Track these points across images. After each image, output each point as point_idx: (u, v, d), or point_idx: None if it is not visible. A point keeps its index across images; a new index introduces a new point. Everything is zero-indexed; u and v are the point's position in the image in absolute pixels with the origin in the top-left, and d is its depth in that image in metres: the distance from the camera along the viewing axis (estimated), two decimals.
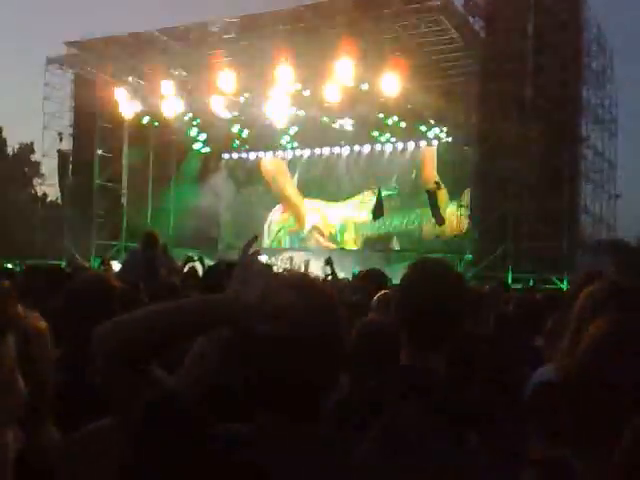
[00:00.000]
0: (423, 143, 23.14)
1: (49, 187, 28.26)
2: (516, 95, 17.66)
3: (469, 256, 18.97)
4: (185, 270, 7.39)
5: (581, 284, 3.22)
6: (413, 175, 23.33)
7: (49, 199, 30.70)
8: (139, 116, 22.56)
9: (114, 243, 24.93)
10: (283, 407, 1.28)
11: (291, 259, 23.33)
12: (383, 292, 3.55)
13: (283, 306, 1.28)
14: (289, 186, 26.25)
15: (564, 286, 15.75)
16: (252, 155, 27.04)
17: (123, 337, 1.31)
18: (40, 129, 24.88)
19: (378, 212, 20.30)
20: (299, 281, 1.39)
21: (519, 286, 14.39)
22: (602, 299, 2.15)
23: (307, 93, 20.18)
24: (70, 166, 25.02)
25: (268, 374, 1.27)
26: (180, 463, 1.20)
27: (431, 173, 22.42)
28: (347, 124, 22.80)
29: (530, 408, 2.19)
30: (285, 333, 1.26)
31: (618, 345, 1.50)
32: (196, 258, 7.93)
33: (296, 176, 26.18)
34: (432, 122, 21.37)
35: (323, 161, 25.61)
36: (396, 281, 2.37)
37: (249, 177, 27.01)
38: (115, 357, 1.31)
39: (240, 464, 1.21)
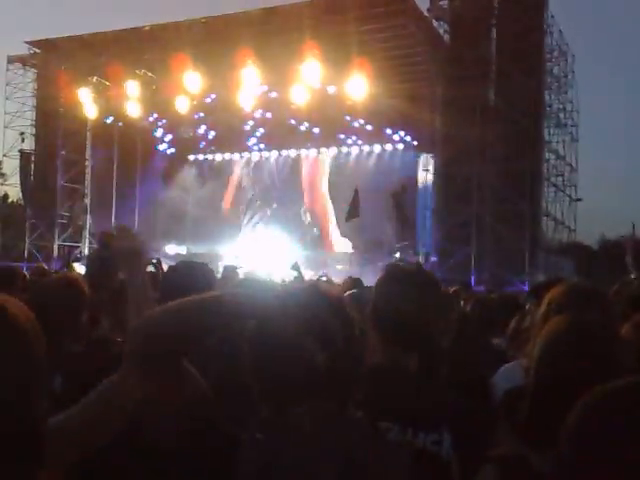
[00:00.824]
0: (389, 146, 23.32)
1: (10, 187, 27.78)
2: (479, 99, 17.91)
3: (434, 258, 19.17)
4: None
5: (542, 287, 3.32)
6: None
7: (10, 199, 30.14)
8: (103, 116, 22.30)
9: (77, 244, 24.60)
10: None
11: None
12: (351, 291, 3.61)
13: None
14: None
15: (525, 288, 16.01)
16: (218, 156, 26.93)
17: (162, 331, 1.31)
18: (0, 128, 24.47)
19: (354, 213, 20.17)
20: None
21: (481, 288, 14.61)
22: (565, 302, 2.22)
23: (274, 95, 20.19)
24: (32, 166, 24.62)
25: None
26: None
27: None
28: (313, 126, 22.87)
29: (502, 413, 2.23)
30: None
31: (570, 343, 1.57)
32: (154, 261, 7.86)
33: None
34: (397, 126, 21.54)
35: (289, 163, 25.65)
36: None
37: (216, 176, 26.87)
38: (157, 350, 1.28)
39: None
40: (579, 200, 22.13)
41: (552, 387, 1.53)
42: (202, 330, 1.34)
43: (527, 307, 3.70)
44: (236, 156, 26.68)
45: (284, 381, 1.35)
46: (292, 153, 25.50)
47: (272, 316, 1.34)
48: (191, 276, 2.86)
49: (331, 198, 24.59)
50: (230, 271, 7.33)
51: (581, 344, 1.57)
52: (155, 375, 1.22)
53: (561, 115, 20.92)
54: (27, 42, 22.99)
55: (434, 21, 19.11)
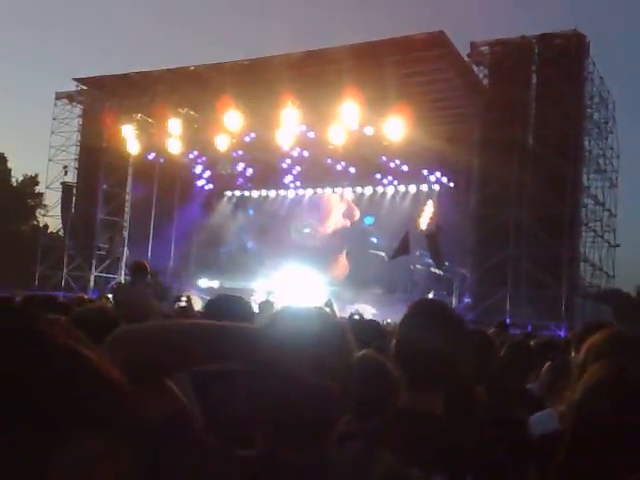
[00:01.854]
0: (424, 186, 23.37)
1: (52, 218, 28.46)
2: (517, 142, 17.92)
3: (467, 300, 19.00)
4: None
5: (581, 332, 3.28)
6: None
7: (50, 230, 30.82)
8: (145, 152, 22.82)
9: (113, 276, 24.97)
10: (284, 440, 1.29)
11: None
12: None
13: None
14: None
15: (562, 333, 15.74)
16: (255, 193, 27.27)
17: (141, 348, 1.23)
18: (45, 161, 25.18)
19: (402, 250, 19.57)
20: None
21: (517, 332, 14.39)
22: (605, 348, 2.19)
23: (312, 135, 20.47)
24: (74, 199, 25.22)
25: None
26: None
27: (432, 217, 22.57)
28: (350, 166, 23.08)
29: (534, 458, 2.19)
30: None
31: (611, 389, 1.57)
32: (184, 298, 8.02)
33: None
34: (434, 166, 21.62)
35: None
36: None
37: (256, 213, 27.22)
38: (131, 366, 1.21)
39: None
40: (617, 246, 21.80)
41: (590, 434, 1.53)
42: (188, 356, 1.26)
43: (572, 354, 3.65)
44: (272, 193, 26.99)
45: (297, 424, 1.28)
46: (327, 191, 25.73)
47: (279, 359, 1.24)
48: (229, 308, 2.89)
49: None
50: (267, 305, 7.41)
51: (623, 391, 1.56)
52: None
53: (601, 161, 20.76)
54: (75, 79, 23.76)
55: (474, 66, 19.25)
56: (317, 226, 25.99)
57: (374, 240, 24.49)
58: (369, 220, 25.10)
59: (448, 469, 1.79)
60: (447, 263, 19.98)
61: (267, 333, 1.27)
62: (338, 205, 25.96)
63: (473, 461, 1.84)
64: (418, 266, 22.42)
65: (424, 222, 22.81)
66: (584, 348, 2.26)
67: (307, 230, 25.94)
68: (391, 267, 22.01)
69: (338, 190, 25.51)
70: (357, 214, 25.51)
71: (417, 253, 22.77)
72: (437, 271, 22.07)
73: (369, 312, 17.38)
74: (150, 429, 1.13)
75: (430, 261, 22.06)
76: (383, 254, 23.40)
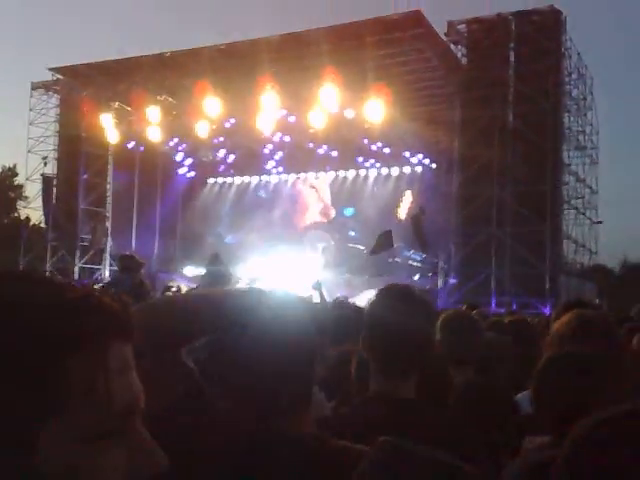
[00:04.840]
0: (407, 169, 23.36)
1: (33, 210, 28.15)
2: (497, 121, 17.93)
3: (453, 280, 19.07)
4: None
5: (559, 312, 3.27)
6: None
7: (32, 222, 30.52)
8: (124, 141, 22.59)
9: (97, 267, 24.81)
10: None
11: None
12: None
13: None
14: None
15: (546, 310, 15.85)
16: (237, 180, 27.14)
17: (160, 321, 1.26)
18: (23, 153, 24.88)
19: (386, 246, 19.27)
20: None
21: (502, 310, 14.47)
22: (567, 332, 2.19)
23: (292, 119, 20.35)
24: (54, 190, 24.96)
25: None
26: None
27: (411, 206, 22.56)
28: (332, 150, 23.00)
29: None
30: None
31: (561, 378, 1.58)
32: (175, 288, 7.94)
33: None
34: (415, 148, 21.59)
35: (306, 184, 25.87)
36: None
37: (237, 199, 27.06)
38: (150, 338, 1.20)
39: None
40: (600, 222, 21.96)
41: (552, 425, 1.52)
42: (206, 325, 1.31)
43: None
44: (255, 179, 26.87)
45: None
46: (310, 176, 25.66)
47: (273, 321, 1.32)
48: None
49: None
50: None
51: (572, 379, 1.57)
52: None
53: (580, 137, 20.83)
54: (50, 69, 23.41)
55: (451, 45, 19.20)
56: (293, 220, 25.90)
57: (352, 233, 24.42)
58: (349, 212, 25.00)
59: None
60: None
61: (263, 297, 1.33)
62: (315, 204, 25.88)
63: (446, 446, 1.83)
64: (397, 259, 22.42)
65: (403, 212, 22.83)
66: (550, 332, 2.27)
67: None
68: (372, 260, 22.01)
69: (321, 175, 25.42)
70: (332, 213, 25.49)
71: (395, 245, 22.77)
72: (415, 263, 22.17)
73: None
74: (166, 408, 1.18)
75: (409, 253, 22.14)
76: (363, 247, 23.41)
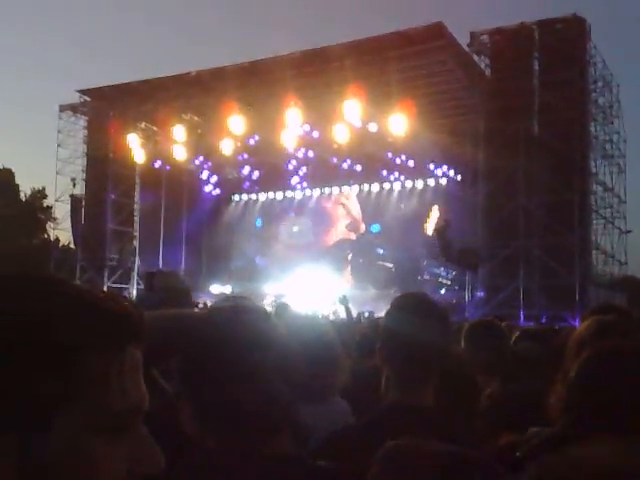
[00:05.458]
0: (431, 181, 23.26)
1: (62, 231, 28.55)
2: (522, 131, 17.77)
3: (480, 294, 18.85)
4: None
5: (587, 316, 3.20)
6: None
7: (61, 244, 30.94)
8: (151, 160, 22.86)
9: (125, 286, 25.04)
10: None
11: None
12: None
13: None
14: None
15: (576, 322, 15.58)
16: (262, 196, 27.27)
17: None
18: (52, 174, 25.27)
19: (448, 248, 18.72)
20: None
21: (531, 323, 14.27)
22: (587, 335, 2.15)
23: (316, 134, 20.43)
24: (83, 211, 25.30)
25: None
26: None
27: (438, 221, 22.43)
28: (355, 164, 23.01)
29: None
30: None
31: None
32: (201, 304, 7.93)
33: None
34: (440, 160, 21.50)
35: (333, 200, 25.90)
36: None
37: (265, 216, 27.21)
38: None
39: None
40: (629, 232, 21.56)
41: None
42: (178, 342, 1.29)
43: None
44: (279, 195, 26.97)
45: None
46: (335, 190, 25.69)
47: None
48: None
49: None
50: (282, 307, 7.31)
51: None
52: None
53: (607, 146, 20.55)
54: (78, 91, 23.87)
55: (474, 55, 19.12)
56: (320, 236, 25.90)
57: (380, 251, 24.36)
58: (375, 228, 24.95)
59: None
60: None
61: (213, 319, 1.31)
62: (342, 219, 25.86)
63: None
64: (426, 276, 22.31)
65: (430, 227, 22.70)
66: (570, 338, 2.23)
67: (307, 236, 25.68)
68: (400, 277, 21.91)
69: (345, 189, 25.43)
70: (362, 228, 25.42)
71: (424, 263, 22.66)
72: (444, 280, 22.00)
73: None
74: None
75: (438, 270, 21.99)
76: (391, 265, 23.33)
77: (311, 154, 22.63)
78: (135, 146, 21.81)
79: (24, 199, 37.17)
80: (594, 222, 19.59)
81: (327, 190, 25.89)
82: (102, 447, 0.69)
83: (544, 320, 16.26)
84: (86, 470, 0.68)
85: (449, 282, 21.89)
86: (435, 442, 0.92)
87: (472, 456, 0.98)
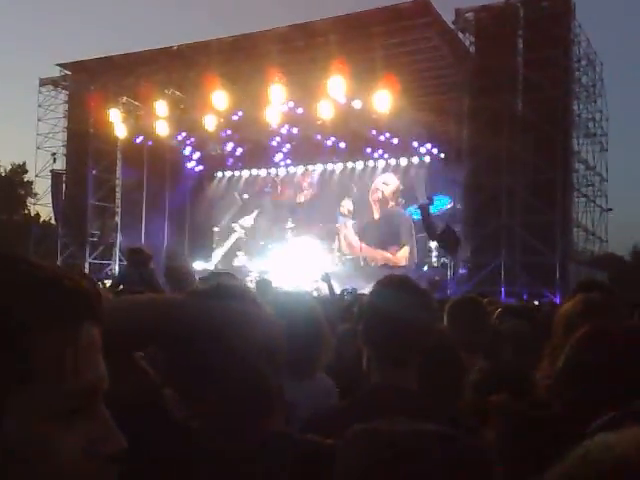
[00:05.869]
0: (415, 159, 23.26)
1: (42, 207, 28.27)
2: (506, 110, 17.80)
3: (463, 270, 18.99)
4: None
5: (574, 292, 3.23)
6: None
7: (42, 219, 30.65)
8: (133, 136, 22.61)
9: (107, 262, 24.90)
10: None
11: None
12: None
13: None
14: None
15: (557, 299, 15.77)
16: (245, 172, 27.12)
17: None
18: (33, 150, 24.95)
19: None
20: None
21: (512, 300, 14.43)
22: (574, 312, 2.18)
23: (300, 111, 20.29)
24: (64, 186, 25.03)
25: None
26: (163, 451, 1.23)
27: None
28: (340, 141, 22.92)
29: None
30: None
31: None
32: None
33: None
34: (424, 138, 21.46)
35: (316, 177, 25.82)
36: None
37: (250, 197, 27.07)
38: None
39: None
40: (610, 210, 21.78)
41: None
42: (154, 331, 1.25)
43: None
44: (263, 172, 26.84)
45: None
46: (319, 168, 25.60)
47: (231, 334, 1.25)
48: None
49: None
50: (264, 283, 7.30)
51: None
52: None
53: (590, 125, 20.66)
54: (58, 64, 23.47)
55: (459, 33, 19.06)
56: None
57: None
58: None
59: None
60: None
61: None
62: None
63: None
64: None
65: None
66: (555, 318, 2.26)
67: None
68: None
69: (329, 166, 25.35)
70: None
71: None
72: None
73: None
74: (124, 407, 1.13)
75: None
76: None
77: (295, 131, 22.48)
78: (116, 121, 21.51)
79: (4, 174, 36.71)
80: (575, 200, 19.77)
81: (311, 167, 25.78)
82: (56, 429, 0.67)
83: (525, 297, 16.46)
84: (39, 453, 0.66)
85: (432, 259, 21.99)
86: (411, 423, 0.92)
87: (439, 433, 0.98)
